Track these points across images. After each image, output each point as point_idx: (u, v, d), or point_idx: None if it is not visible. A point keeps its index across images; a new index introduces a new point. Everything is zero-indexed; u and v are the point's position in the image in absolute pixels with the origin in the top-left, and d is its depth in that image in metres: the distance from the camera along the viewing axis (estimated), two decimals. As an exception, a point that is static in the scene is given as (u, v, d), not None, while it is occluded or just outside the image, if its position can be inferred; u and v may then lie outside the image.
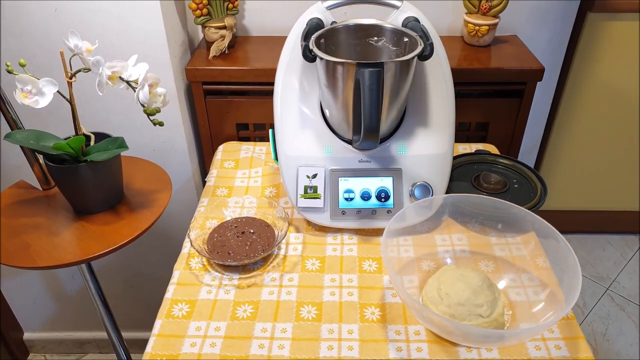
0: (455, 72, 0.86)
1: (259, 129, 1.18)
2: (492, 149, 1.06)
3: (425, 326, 0.68)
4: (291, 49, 0.82)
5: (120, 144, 0.82)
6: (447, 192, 0.85)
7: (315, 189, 0.82)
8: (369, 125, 0.70)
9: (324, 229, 0.85)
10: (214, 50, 1.10)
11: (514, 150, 1.19)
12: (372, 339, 0.67)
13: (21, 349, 1.54)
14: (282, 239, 0.80)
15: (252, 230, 0.82)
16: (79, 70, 0.75)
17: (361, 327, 0.69)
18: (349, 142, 0.82)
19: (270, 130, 0.87)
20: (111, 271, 1.35)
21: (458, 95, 0.87)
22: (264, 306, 0.72)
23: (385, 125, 0.80)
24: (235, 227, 0.83)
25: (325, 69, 0.74)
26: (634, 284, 1.72)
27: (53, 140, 0.80)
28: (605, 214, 1.83)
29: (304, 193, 0.82)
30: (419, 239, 0.79)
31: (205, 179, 1.00)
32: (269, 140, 1.04)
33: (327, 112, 0.82)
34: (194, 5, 1.06)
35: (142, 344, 0.73)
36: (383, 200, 0.82)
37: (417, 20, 0.79)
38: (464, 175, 0.92)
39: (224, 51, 1.11)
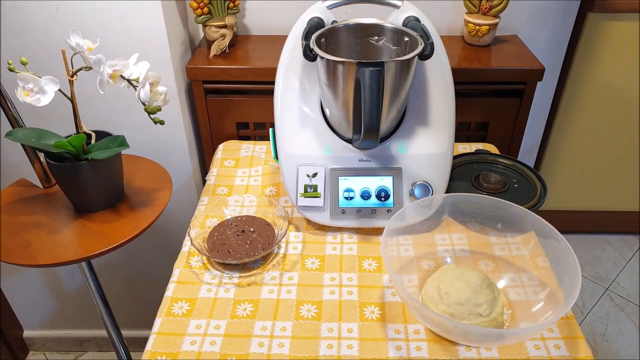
0: (456, 72, 0.86)
1: (259, 128, 1.18)
2: (492, 148, 1.06)
3: (425, 325, 0.68)
4: (292, 48, 0.82)
5: (121, 142, 0.82)
6: (447, 192, 0.85)
7: (315, 188, 0.82)
8: (369, 125, 0.70)
9: (323, 228, 0.85)
10: (214, 49, 1.10)
11: (514, 150, 1.20)
12: (372, 337, 0.67)
13: (21, 346, 1.54)
14: (282, 237, 0.80)
15: (252, 229, 0.82)
16: (81, 69, 0.75)
17: (361, 326, 0.69)
18: (349, 141, 0.82)
19: (270, 129, 0.87)
20: (111, 269, 1.35)
21: (458, 95, 0.87)
22: (264, 305, 0.72)
23: (385, 125, 0.81)
24: (236, 225, 0.83)
25: (325, 68, 0.75)
26: (634, 284, 1.72)
27: (54, 139, 0.80)
28: (605, 214, 1.83)
29: (304, 192, 0.82)
30: (418, 238, 0.79)
31: (206, 178, 1.00)
32: (269, 139, 1.04)
33: (327, 111, 0.82)
34: (194, 4, 1.06)
35: (142, 342, 0.73)
36: (383, 199, 0.82)
37: (417, 19, 0.79)
38: (464, 174, 0.92)
39: (225, 50, 1.11)
